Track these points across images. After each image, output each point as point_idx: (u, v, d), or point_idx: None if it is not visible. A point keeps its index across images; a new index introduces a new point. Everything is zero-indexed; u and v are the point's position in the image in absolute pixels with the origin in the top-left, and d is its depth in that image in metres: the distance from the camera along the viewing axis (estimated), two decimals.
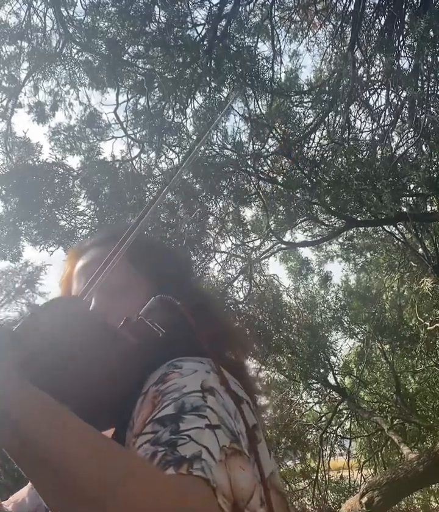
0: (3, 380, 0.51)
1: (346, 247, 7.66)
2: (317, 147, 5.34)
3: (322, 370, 7.69)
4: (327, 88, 5.08)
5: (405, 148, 4.91)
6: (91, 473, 0.47)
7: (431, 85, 4.42)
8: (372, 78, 5.03)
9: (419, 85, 4.30)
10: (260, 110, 5.23)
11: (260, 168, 5.39)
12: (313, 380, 7.71)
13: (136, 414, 0.66)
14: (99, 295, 0.84)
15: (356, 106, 5.25)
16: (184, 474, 0.52)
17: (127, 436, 0.68)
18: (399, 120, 5.07)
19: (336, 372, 8.07)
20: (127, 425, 0.69)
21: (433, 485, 7.12)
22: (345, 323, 7.97)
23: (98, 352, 0.65)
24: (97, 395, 0.66)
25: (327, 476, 7.53)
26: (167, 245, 1.00)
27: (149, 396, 0.66)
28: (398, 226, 6.18)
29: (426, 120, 4.32)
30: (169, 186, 0.81)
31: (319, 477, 7.35)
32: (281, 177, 5.49)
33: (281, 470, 7.84)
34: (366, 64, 4.87)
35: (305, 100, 5.42)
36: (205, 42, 4.65)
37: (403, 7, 4.66)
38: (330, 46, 5.38)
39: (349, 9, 5.03)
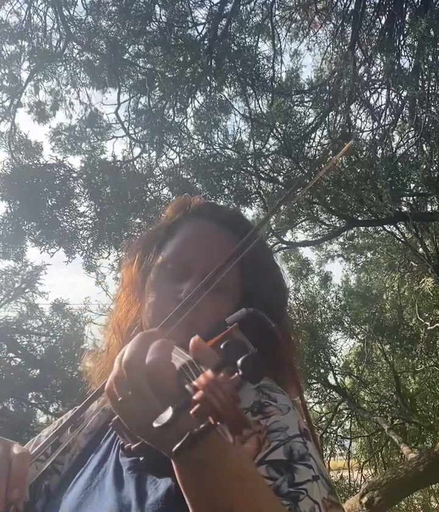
0: None
1: (346, 246, 7.66)
2: (318, 147, 5.33)
3: (322, 370, 7.68)
4: (327, 88, 5.08)
5: (406, 148, 4.90)
6: None
7: (431, 84, 4.41)
8: (373, 77, 5.03)
9: (420, 84, 4.30)
10: (261, 109, 5.24)
11: (260, 168, 5.39)
12: (313, 380, 7.70)
13: None
14: (195, 282, 0.79)
15: (356, 105, 5.25)
16: None
17: None
18: (399, 119, 5.07)
19: (336, 372, 8.07)
20: None
21: (433, 485, 7.12)
22: (345, 323, 7.97)
23: None
24: None
25: None
26: (279, 266, 0.93)
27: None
28: (398, 226, 6.18)
29: (427, 119, 4.31)
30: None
31: None
32: (282, 176, 5.49)
33: None
34: (367, 64, 4.87)
35: (306, 99, 5.42)
36: (205, 42, 4.65)
37: (404, 6, 4.66)
38: (331, 45, 5.37)
39: (350, 8, 5.03)
